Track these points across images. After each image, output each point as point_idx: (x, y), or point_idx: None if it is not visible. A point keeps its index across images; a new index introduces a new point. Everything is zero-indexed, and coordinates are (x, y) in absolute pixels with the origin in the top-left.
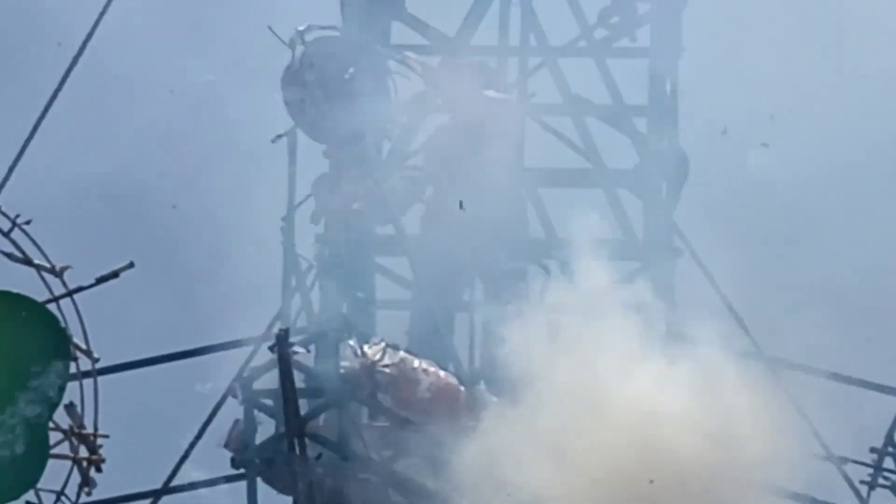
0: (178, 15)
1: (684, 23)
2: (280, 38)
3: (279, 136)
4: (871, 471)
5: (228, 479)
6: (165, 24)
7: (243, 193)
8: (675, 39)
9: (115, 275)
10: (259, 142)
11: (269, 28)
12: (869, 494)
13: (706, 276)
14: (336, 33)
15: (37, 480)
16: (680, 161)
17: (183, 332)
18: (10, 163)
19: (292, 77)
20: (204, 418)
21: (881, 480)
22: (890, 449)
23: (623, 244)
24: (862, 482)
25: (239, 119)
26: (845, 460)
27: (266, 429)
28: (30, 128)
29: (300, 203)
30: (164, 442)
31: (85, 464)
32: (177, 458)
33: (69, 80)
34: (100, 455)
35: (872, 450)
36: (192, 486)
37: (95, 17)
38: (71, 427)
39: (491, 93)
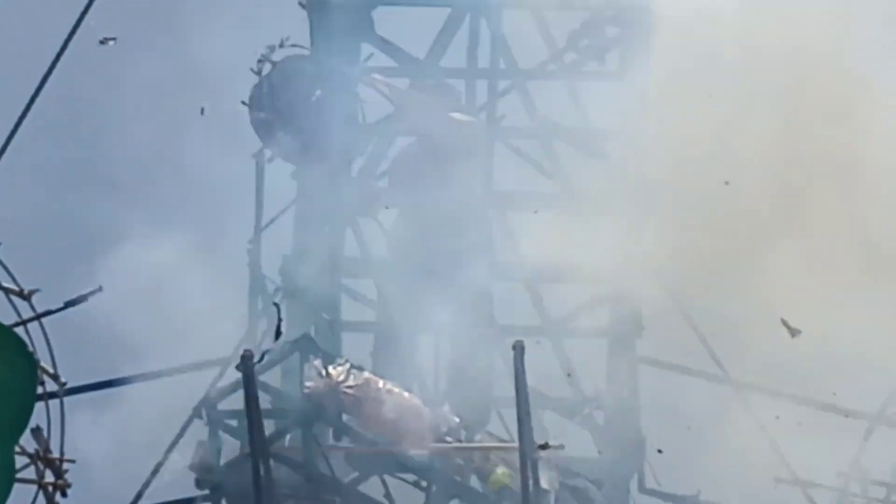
0: (145, 36)
1: (653, 47)
2: (254, 71)
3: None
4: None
5: (194, 500)
6: (131, 47)
7: (210, 214)
8: (643, 63)
9: (83, 299)
10: (226, 163)
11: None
12: None
13: (671, 296)
14: (306, 52)
15: None
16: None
17: (151, 354)
18: None
19: (260, 98)
20: (170, 440)
21: None
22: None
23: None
24: None
25: (209, 140)
26: (811, 484)
27: (231, 450)
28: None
29: (267, 225)
30: (130, 463)
31: (51, 488)
32: (143, 480)
33: (39, 99)
34: (65, 480)
35: (839, 474)
36: None
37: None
38: (37, 451)
39: (458, 115)
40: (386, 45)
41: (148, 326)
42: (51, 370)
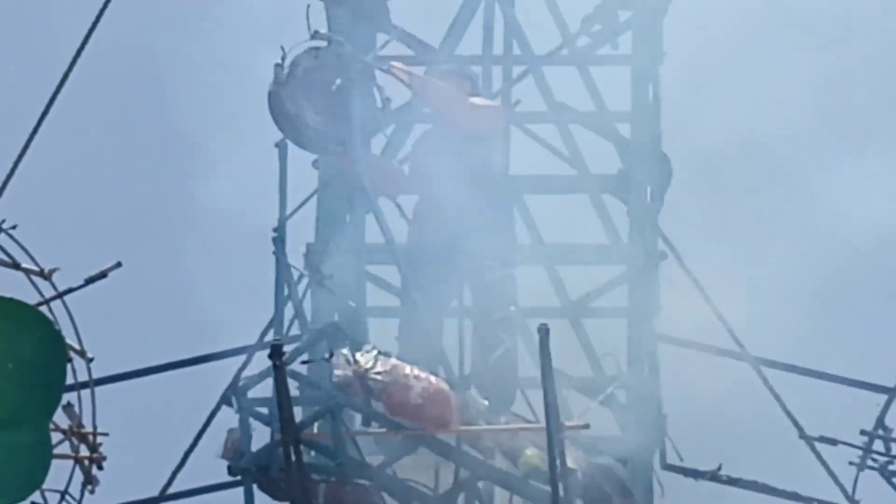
0: (161, 29)
1: (665, 30)
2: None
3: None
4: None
5: (225, 486)
6: (150, 35)
7: (235, 203)
8: (656, 46)
9: (103, 275)
10: (249, 151)
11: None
12: (857, 476)
13: (690, 279)
14: (324, 43)
15: (42, 481)
16: (663, 165)
17: (177, 342)
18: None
19: (280, 88)
20: (199, 426)
21: (869, 462)
22: (880, 432)
23: (608, 249)
24: (850, 463)
25: (229, 127)
26: (834, 441)
27: (261, 436)
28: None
29: (291, 214)
30: (159, 451)
31: (86, 462)
32: (173, 467)
33: (67, 85)
34: (100, 453)
35: (862, 432)
36: (188, 493)
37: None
38: (70, 427)
39: (477, 100)
40: (402, 34)
41: (175, 314)
42: (77, 347)
